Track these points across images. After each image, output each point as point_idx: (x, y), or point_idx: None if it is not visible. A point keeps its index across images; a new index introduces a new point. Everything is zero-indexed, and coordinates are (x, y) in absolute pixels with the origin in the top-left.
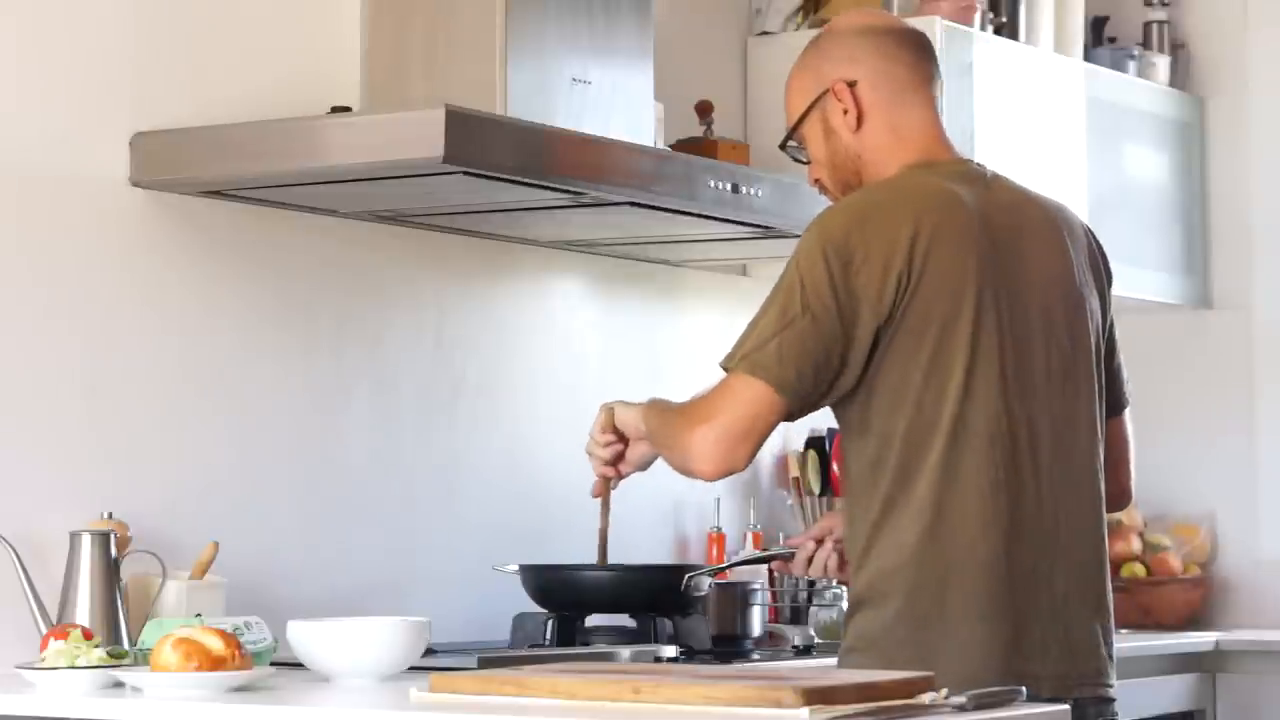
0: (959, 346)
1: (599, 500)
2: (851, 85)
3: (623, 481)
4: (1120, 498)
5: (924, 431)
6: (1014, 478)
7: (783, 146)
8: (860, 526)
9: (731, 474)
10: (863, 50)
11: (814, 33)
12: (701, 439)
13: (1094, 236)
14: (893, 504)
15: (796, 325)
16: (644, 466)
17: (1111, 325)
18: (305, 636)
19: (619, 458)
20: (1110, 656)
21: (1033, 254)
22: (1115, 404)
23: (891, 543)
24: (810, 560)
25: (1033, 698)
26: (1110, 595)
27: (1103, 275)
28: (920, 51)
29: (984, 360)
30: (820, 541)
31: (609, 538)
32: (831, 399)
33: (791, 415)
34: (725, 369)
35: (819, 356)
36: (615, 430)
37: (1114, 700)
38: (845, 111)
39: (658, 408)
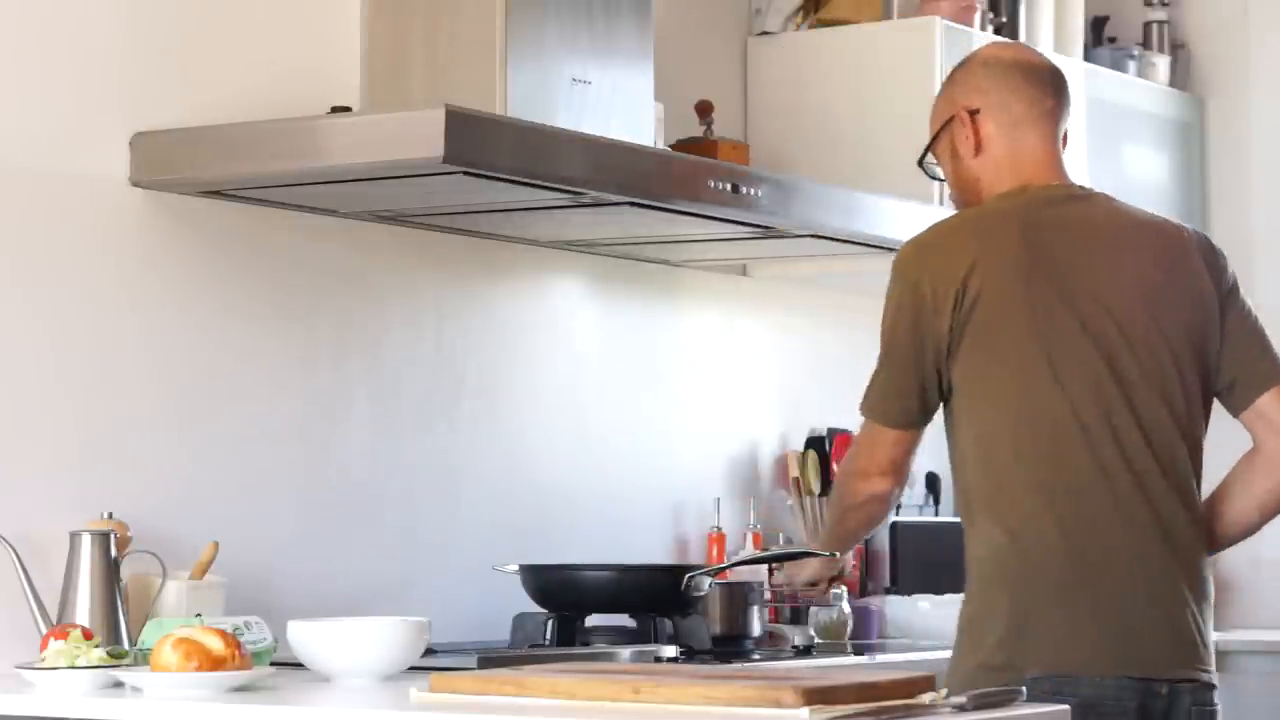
0: (1025, 352)
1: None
2: (973, 113)
3: (625, 482)
4: None
5: (995, 432)
6: (1093, 472)
7: (920, 163)
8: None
9: (900, 487)
10: (989, 81)
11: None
12: (857, 481)
13: (1208, 245)
14: (973, 501)
15: (891, 360)
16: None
17: (1243, 315)
18: (305, 636)
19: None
20: (1206, 643)
21: (1110, 263)
22: (1259, 378)
23: (975, 537)
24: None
25: (1128, 679)
26: (1210, 582)
27: (1207, 279)
28: (1042, 85)
29: (1048, 363)
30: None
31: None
32: (936, 408)
33: (916, 434)
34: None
35: (912, 382)
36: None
37: (1214, 687)
38: (967, 137)
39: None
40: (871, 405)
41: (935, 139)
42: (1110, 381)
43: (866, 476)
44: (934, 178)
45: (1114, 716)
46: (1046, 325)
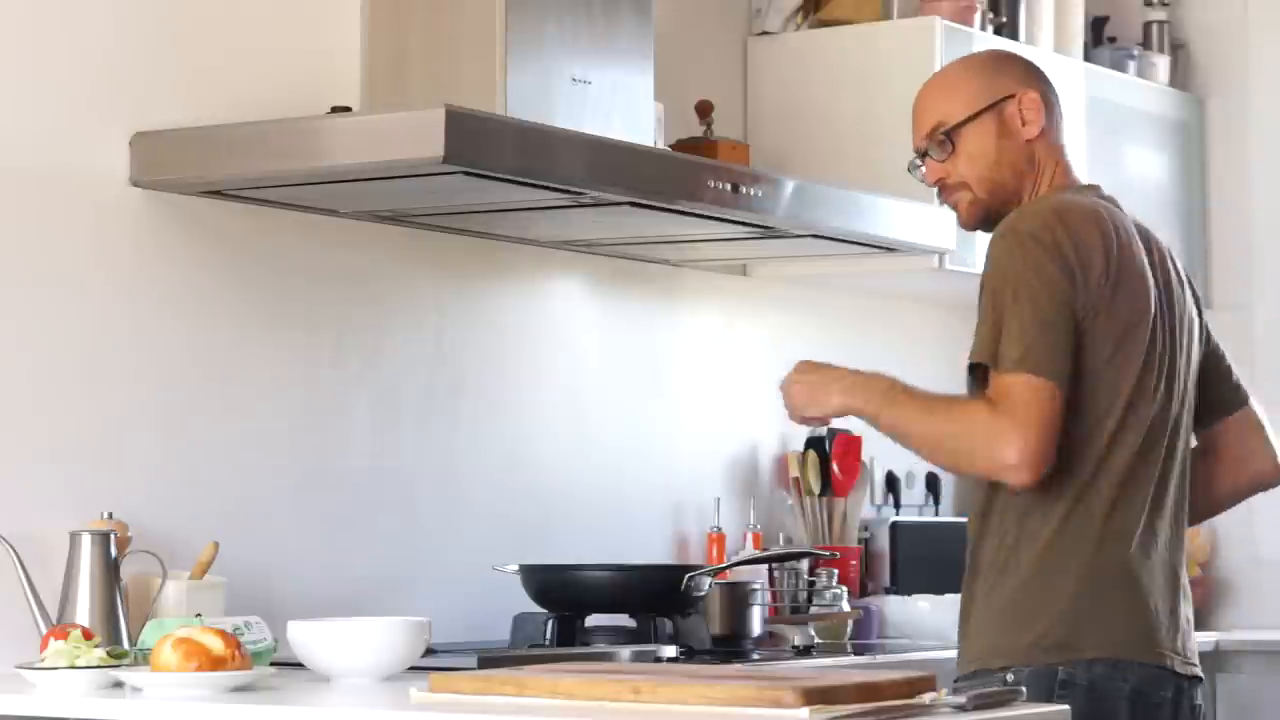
0: (1138, 345)
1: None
2: (1043, 99)
3: (625, 482)
4: (1275, 474)
5: (1096, 417)
6: (1159, 469)
7: (929, 139)
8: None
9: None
10: (1041, 79)
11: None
12: (1021, 453)
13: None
14: (1060, 486)
15: (1055, 321)
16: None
17: (1210, 333)
18: (305, 636)
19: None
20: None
21: (1154, 263)
22: (1235, 399)
23: (1036, 515)
24: None
25: (1166, 670)
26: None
27: (1196, 293)
28: (1054, 89)
29: (1153, 361)
30: None
31: None
32: None
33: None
34: (994, 370)
35: (1070, 347)
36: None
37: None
38: (1025, 122)
39: (916, 405)
40: (1039, 359)
41: (976, 115)
42: (1166, 378)
43: (1017, 449)
44: (934, 159)
45: (1156, 706)
46: (1161, 322)
